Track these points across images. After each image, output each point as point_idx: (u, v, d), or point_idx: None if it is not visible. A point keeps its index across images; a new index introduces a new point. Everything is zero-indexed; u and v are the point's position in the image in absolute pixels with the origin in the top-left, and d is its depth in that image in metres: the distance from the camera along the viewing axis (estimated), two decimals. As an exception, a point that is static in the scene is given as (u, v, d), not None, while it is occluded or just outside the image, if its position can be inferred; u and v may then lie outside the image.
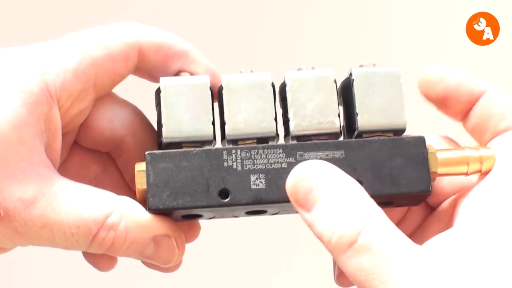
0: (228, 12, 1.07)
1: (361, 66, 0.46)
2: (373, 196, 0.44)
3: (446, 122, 0.48)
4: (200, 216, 0.46)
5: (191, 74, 0.47)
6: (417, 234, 0.48)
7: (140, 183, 0.44)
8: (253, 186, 0.44)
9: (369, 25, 1.07)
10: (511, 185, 0.42)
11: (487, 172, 0.44)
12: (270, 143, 0.45)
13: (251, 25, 1.07)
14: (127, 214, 0.43)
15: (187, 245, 0.47)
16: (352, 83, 0.46)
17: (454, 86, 0.45)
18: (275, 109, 0.45)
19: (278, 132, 0.46)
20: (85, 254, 0.47)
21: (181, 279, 0.82)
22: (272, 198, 0.44)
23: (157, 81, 0.46)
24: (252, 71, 0.46)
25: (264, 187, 0.44)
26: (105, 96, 0.47)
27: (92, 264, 0.47)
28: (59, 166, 0.45)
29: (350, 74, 0.46)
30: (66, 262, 0.93)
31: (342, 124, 0.47)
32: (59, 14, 1.05)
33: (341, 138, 0.46)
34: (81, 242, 0.43)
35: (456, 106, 0.45)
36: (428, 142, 0.45)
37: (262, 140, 0.45)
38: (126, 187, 0.49)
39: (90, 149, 0.48)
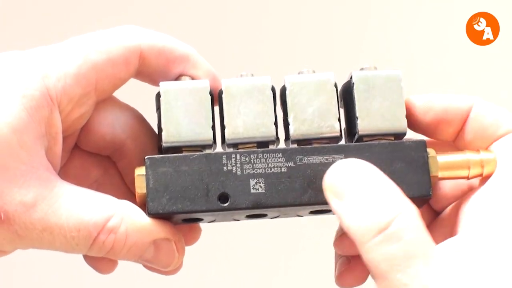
0: (230, 16, 1.07)
1: (362, 69, 0.46)
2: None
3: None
4: (200, 219, 0.46)
5: (192, 78, 0.47)
6: None
7: (140, 187, 0.44)
8: (252, 191, 0.44)
9: (369, 26, 1.07)
10: None
11: (488, 176, 0.44)
12: (270, 147, 0.45)
13: (252, 28, 1.07)
14: (127, 217, 0.43)
15: (188, 248, 0.47)
16: (353, 86, 0.46)
17: (442, 111, 0.45)
18: (275, 113, 0.45)
19: (279, 136, 0.46)
20: (86, 257, 0.47)
21: (181, 282, 0.82)
22: (271, 203, 0.44)
23: (158, 85, 0.46)
24: (252, 75, 0.46)
25: (264, 191, 0.44)
26: (106, 100, 0.47)
27: (93, 267, 0.47)
28: (59, 169, 0.45)
29: (351, 78, 0.46)
30: (67, 265, 0.93)
31: (343, 127, 0.47)
32: (60, 18, 1.05)
33: (342, 142, 0.46)
34: (82, 246, 0.43)
35: (448, 129, 0.46)
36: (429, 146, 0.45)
37: (262, 144, 0.45)
38: (127, 191, 0.49)
39: (91, 153, 0.48)
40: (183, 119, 0.45)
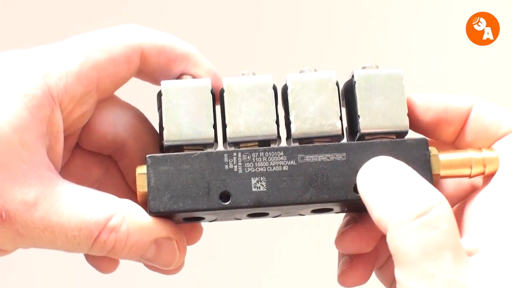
0: (231, 15, 1.07)
1: (363, 67, 0.46)
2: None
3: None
4: (201, 218, 0.46)
5: (193, 77, 0.47)
6: None
7: (141, 186, 0.44)
8: (254, 189, 0.44)
9: (370, 26, 1.07)
10: None
11: (490, 175, 0.44)
12: (272, 146, 0.45)
13: (254, 27, 1.07)
14: (129, 216, 0.43)
15: (189, 247, 0.47)
16: (354, 85, 0.46)
17: (442, 110, 0.45)
18: (276, 111, 0.45)
19: (281, 134, 0.46)
20: (87, 256, 0.47)
21: (183, 282, 0.82)
22: (273, 201, 0.44)
23: (160, 84, 0.46)
24: (254, 74, 0.46)
25: (265, 190, 0.44)
26: (107, 99, 0.47)
27: (94, 266, 0.47)
28: (61, 168, 0.45)
29: (352, 76, 0.46)
30: (68, 264, 0.93)
31: (345, 126, 0.47)
32: (61, 17, 1.05)
33: (344, 140, 0.46)
34: (83, 245, 0.43)
35: (448, 129, 0.46)
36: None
37: (264, 143, 0.45)
38: (128, 190, 0.49)
39: (92, 152, 0.48)
40: (184, 117, 0.45)
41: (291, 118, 0.45)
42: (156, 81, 0.47)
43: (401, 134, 0.45)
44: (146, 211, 0.44)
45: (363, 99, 0.45)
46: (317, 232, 0.88)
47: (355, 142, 0.45)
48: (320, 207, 0.45)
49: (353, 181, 0.44)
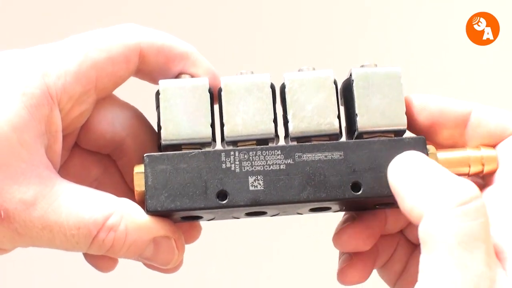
0: (230, 14, 1.07)
1: (362, 66, 0.46)
2: (372, 197, 0.44)
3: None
4: (199, 217, 0.46)
5: (192, 76, 0.47)
6: None
7: (139, 185, 0.44)
8: (251, 188, 0.44)
9: (369, 26, 1.07)
10: None
11: (489, 173, 0.44)
12: (270, 145, 0.45)
13: (253, 26, 1.07)
14: (127, 215, 0.43)
15: (188, 246, 0.47)
16: (352, 83, 0.46)
17: (437, 112, 0.45)
18: (274, 110, 0.45)
19: (280, 133, 0.46)
20: (86, 255, 0.47)
21: (181, 280, 0.82)
22: (270, 200, 0.44)
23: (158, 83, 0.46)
24: (252, 72, 0.46)
25: (263, 188, 0.44)
26: (106, 98, 0.47)
27: (93, 265, 0.47)
28: (59, 168, 0.45)
29: (350, 75, 0.46)
30: (67, 263, 0.93)
31: (344, 125, 0.47)
32: (59, 16, 1.05)
33: (344, 139, 0.46)
34: (81, 244, 0.43)
35: (442, 131, 0.46)
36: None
37: (261, 141, 0.45)
38: (127, 189, 0.49)
39: (91, 151, 0.48)
40: (182, 117, 0.45)
41: (289, 116, 0.45)
42: (155, 81, 0.47)
43: (399, 132, 0.45)
44: (144, 210, 0.44)
45: (361, 98, 0.45)
46: (316, 231, 0.88)
47: (353, 140, 0.45)
48: (317, 206, 0.45)
49: (351, 180, 0.44)
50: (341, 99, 0.47)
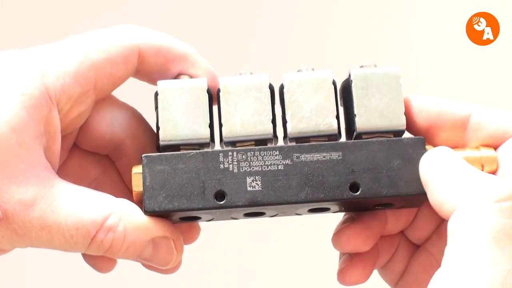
0: (229, 15, 1.07)
1: (361, 66, 0.46)
2: (371, 198, 0.44)
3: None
4: (198, 218, 0.46)
5: (191, 77, 0.47)
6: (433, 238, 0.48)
7: (137, 185, 0.44)
8: (249, 188, 0.44)
9: (369, 26, 1.07)
10: None
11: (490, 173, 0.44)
12: (268, 145, 0.45)
13: (252, 27, 1.07)
14: (126, 216, 0.43)
15: (187, 247, 0.47)
16: (351, 84, 0.46)
17: (436, 114, 0.45)
18: (273, 111, 0.45)
19: (279, 133, 0.46)
20: (85, 255, 0.47)
21: (180, 280, 0.82)
22: (268, 200, 0.44)
23: (157, 84, 0.46)
24: (251, 73, 0.46)
25: (260, 189, 0.44)
26: (105, 99, 0.47)
27: (92, 265, 0.47)
28: (58, 168, 0.45)
29: (349, 75, 0.46)
30: (66, 264, 0.93)
31: (343, 125, 0.47)
32: (59, 17, 1.05)
33: (343, 139, 0.46)
34: (80, 244, 0.43)
35: (440, 134, 0.46)
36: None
37: (260, 142, 0.45)
38: (126, 190, 0.49)
39: (90, 152, 0.48)
40: (180, 117, 0.45)
41: (287, 117, 0.45)
42: (154, 81, 0.47)
43: (398, 133, 0.45)
44: (142, 210, 0.44)
45: (360, 98, 0.45)
46: (315, 231, 0.88)
47: (351, 141, 0.45)
48: (316, 206, 0.45)
49: (349, 180, 0.44)
50: (340, 99, 0.47)
